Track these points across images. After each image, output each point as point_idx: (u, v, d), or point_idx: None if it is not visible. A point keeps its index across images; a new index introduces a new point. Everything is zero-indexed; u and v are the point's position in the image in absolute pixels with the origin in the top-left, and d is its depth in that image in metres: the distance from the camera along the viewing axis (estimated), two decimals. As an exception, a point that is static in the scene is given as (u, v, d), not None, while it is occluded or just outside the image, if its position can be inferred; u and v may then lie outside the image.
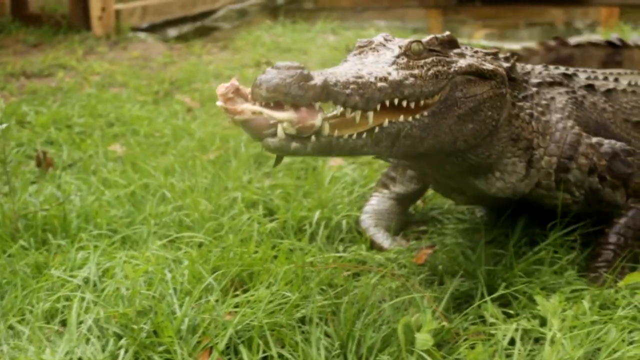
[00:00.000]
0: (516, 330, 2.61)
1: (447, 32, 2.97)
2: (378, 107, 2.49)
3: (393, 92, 2.53)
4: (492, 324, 2.70)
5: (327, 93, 2.37)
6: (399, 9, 15.00)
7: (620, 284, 2.81)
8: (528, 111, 3.19)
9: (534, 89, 3.31)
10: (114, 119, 5.76)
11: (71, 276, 3.10)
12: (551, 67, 3.62)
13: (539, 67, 3.55)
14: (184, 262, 3.16)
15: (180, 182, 4.11)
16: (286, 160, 4.48)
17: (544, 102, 3.28)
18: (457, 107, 2.79)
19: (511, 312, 2.78)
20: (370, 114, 2.48)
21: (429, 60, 2.75)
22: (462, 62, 2.86)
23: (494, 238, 3.40)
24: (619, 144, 3.24)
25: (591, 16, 13.64)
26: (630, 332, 2.57)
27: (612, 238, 3.09)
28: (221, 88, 2.48)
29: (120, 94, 6.69)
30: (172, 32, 11.80)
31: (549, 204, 3.28)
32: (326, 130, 2.41)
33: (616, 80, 3.81)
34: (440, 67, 2.75)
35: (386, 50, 2.79)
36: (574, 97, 3.41)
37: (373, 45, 2.84)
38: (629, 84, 3.84)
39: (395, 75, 2.58)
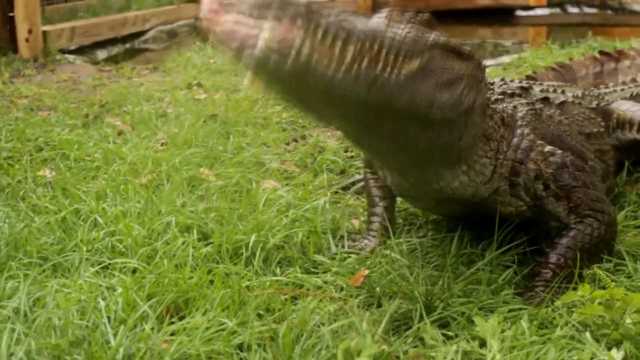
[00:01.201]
0: (456, 352, 2.60)
1: (427, 13, 2.96)
2: (359, 45, 2.42)
3: (374, 38, 2.47)
4: (431, 346, 2.68)
5: (310, 13, 2.30)
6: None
7: (557, 303, 2.82)
8: (499, 115, 3.24)
9: (500, 97, 3.37)
10: (43, 143, 5.64)
11: (0, 307, 3.01)
12: (508, 80, 3.69)
13: (498, 80, 3.62)
14: (118, 289, 3.10)
15: (113, 207, 4.03)
16: (220, 182, 4.46)
17: (509, 110, 3.33)
18: (435, 76, 2.74)
19: (450, 333, 2.77)
20: (351, 48, 2.40)
21: (408, 26, 2.72)
22: (441, 38, 2.84)
23: (431, 258, 3.40)
24: (570, 157, 3.29)
25: (519, 36, 13.88)
26: (569, 351, 2.57)
27: (553, 258, 3.11)
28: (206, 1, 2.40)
29: (49, 117, 6.58)
30: (102, 53, 11.70)
31: (503, 211, 3.31)
32: (307, 48, 2.31)
33: (563, 92, 3.90)
34: (419, 35, 2.71)
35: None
36: (533, 109, 3.49)
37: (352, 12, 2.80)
38: (574, 96, 3.93)
39: (377, 24, 2.55)
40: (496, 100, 3.38)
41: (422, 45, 2.71)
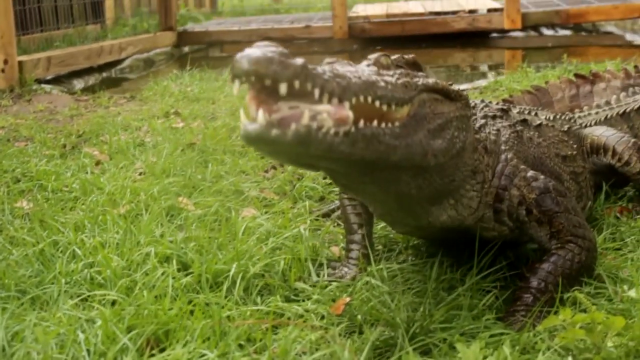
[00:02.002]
0: (438, 379, 2.59)
1: (412, 55, 3.02)
2: (353, 100, 2.47)
3: (367, 89, 2.52)
4: (414, 374, 2.68)
5: (306, 74, 2.34)
6: (306, 55, 15.09)
7: (539, 327, 2.82)
8: (482, 143, 3.27)
9: (483, 121, 3.39)
10: (20, 175, 5.61)
11: (-22, 342, 2.98)
12: (487, 101, 3.72)
13: (479, 102, 3.65)
14: (97, 321, 3.06)
15: (91, 238, 4.00)
16: (199, 211, 4.45)
17: (492, 135, 3.36)
18: (427, 122, 2.80)
19: (432, 360, 2.77)
20: (346, 104, 2.45)
21: (397, 72, 2.79)
22: (429, 80, 2.90)
23: (411, 284, 3.40)
24: (553, 183, 3.31)
25: (495, 59, 13.97)
26: (551, 376, 2.58)
27: (534, 283, 3.12)
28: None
29: (26, 148, 6.55)
30: (78, 83, 11.70)
31: (486, 235, 3.34)
32: (306, 118, 2.36)
33: (537, 115, 3.94)
34: (408, 79, 2.78)
35: (355, 65, 2.82)
36: (515, 131, 3.52)
37: (341, 63, 2.84)
38: (547, 119, 3.97)
39: (368, 75, 2.60)
40: (480, 127, 3.39)
41: (413, 91, 2.77)
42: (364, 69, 2.72)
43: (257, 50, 2.32)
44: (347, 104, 2.45)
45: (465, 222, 3.26)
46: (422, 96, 2.83)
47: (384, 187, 2.91)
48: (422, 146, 2.76)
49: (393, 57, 2.94)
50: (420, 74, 2.97)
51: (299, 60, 2.35)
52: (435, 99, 2.91)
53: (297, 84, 2.33)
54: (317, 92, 2.38)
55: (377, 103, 2.58)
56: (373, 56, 2.87)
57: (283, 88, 2.32)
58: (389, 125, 2.62)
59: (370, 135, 2.53)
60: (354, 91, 2.48)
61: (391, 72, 2.77)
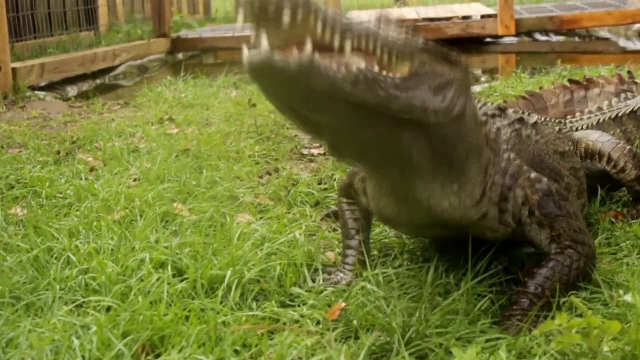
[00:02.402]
0: (435, 383, 2.59)
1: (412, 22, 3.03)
2: (355, 42, 2.47)
3: (368, 35, 2.53)
4: (410, 379, 2.68)
5: (309, 5, 2.34)
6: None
7: (535, 332, 2.82)
8: (485, 135, 3.29)
9: (484, 118, 3.39)
10: (14, 181, 5.60)
11: (-28, 349, 2.97)
12: (484, 102, 3.72)
13: (476, 102, 3.64)
14: (92, 327, 3.05)
15: (85, 244, 3.99)
16: (193, 217, 4.44)
17: (493, 133, 3.35)
18: (427, 79, 2.79)
19: (428, 365, 2.76)
20: (348, 44, 2.45)
21: (397, 31, 2.76)
22: (429, 42, 2.90)
23: (407, 289, 3.39)
24: (556, 185, 3.31)
25: (489, 64, 13.99)
26: (548, 380, 2.57)
27: (531, 287, 3.11)
28: None
29: (20, 155, 6.53)
30: (72, 90, 11.69)
31: (489, 236, 3.33)
32: (308, 48, 2.36)
33: (530, 114, 3.94)
34: (409, 37, 2.77)
35: None
36: (514, 130, 3.51)
37: None
38: (540, 117, 3.97)
39: (370, 24, 2.60)
40: (481, 122, 3.38)
41: (413, 48, 2.76)
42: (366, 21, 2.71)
43: None
44: (348, 44, 2.45)
45: (468, 215, 3.22)
46: (423, 55, 2.82)
47: (386, 150, 2.85)
48: (422, 100, 2.74)
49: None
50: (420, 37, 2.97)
51: None
52: (436, 60, 2.89)
53: (300, 12, 2.33)
54: (319, 25, 2.37)
55: (378, 51, 2.58)
56: (376, 12, 2.83)
57: (286, 15, 2.32)
58: (391, 75, 2.62)
59: (372, 79, 2.52)
60: (356, 32, 2.48)
61: (393, 28, 2.75)
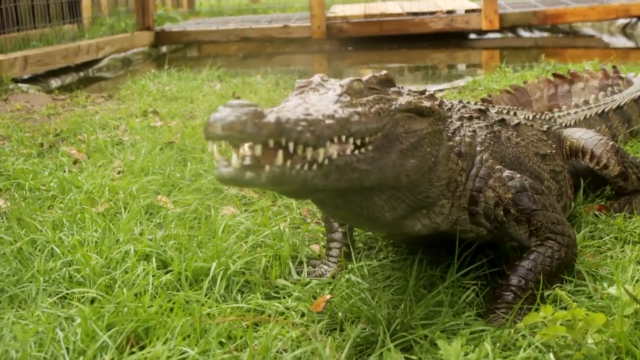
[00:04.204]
0: (420, 375, 2.59)
1: (384, 71, 3.06)
2: (328, 144, 2.49)
3: (341, 130, 2.55)
4: (395, 371, 2.67)
5: (281, 130, 2.35)
6: (283, 55, 15.15)
7: (520, 324, 2.82)
8: (456, 149, 3.30)
9: (458, 123, 3.40)
10: (-3, 173, 5.57)
11: (-44, 340, 2.95)
12: (465, 101, 3.73)
13: (457, 103, 3.65)
14: (77, 319, 3.03)
15: (69, 237, 3.98)
16: (178, 209, 4.43)
17: (467, 138, 3.36)
18: (399, 142, 2.84)
19: (414, 357, 2.75)
20: (321, 151, 2.47)
21: (370, 98, 2.82)
22: (402, 100, 2.94)
23: (392, 281, 3.39)
24: (529, 181, 3.32)
25: (473, 59, 14.01)
26: (532, 372, 2.58)
27: (514, 280, 3.12)
28: None
29: (3, 147, 6.50)
30: (55, 82, 11.65)
31: (464, 237, 3.34)
32: (279, 159, 2.38)
33: (515, 114, 3.95)
34: (382, 105, 2.81)
35: (327, 90, 2.84)
36: (492, 132, 3.52)
37: (313, 85, 2.90)
38: (525, 118, 3.98)
39: (341, 112, 2.60)
40: (454, 130, 3.38)
41: (386, 116, 2.81)
42: (335, 100, 2.73)
43: (230, 113, 2.33)
44: (321, 151, 2.48)
45: (440, 228, 3.27)
46: (396, 116, 2.87)
47: (357, 212, 2.93)
48: (395, 167, 2.80)
49: (365, 78, 2.94)
50: (393, 90, 3.00)
51: (272, 117, 2.35)
52: (409, 117, 2.94)
53: (271, 142, 2.36)
54: (291, 145, 2.41)
55: (351, 140, 2.62)
56: (345, 82, 2.86)
57: (258, 150, 2.36)
58: (362, 150, 2.66)
59: (343, 165, 2.57)
60: (328, 136, 2.50)
61: (364, 100, 2.80)
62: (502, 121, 3.75)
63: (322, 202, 2.94)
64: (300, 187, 2.48)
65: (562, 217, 3.36)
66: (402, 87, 3.11)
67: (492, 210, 3.29)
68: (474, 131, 3.45)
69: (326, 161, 2.50)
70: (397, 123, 2.85)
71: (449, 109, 3.54)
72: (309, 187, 2.50)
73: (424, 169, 2.98)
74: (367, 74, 3.00)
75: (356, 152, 2.62)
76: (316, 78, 2.96)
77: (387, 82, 3.03)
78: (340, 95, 2.78)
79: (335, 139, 2.54)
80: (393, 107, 2.86)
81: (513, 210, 3.27)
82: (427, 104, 3.06)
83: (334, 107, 2.64)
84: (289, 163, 2.40)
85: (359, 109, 2.70)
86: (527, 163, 3.67)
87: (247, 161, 2.37)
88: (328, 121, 2.51)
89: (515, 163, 3.58)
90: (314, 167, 2.47)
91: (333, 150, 2.53)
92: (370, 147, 2.69)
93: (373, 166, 2.69)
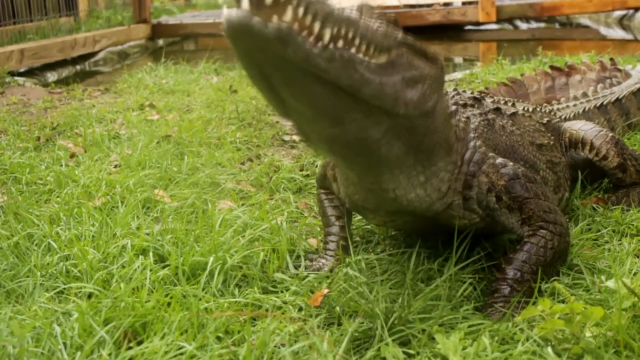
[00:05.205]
0: (418, 369, 2.59)
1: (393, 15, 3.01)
2: (335, 30, 2.45)
3: (349, 23, 2.51)
4: (393, 365, 2.67)
5: None
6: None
7: (518, 318, 2.82)
8: (454, 128, 3.28)
9: (454, 108, 3.39)
10: (-6, 167, 5.56)
11: (-47, 335, 2.94)
12: (461, 90, 3.73)
13: (451, 91, 3.65)
14: (74, 314, 3.03)
15: (66, 231, 3.97)
16: (175, 203, 4.42)
17: (462, 123, 3.36)
18: (403, 70, 2.79)
19: (412, 351, 2.75)
20: (327, 31, 2.43)
21: (378, 21, 2.76)
22: (408, 37, 2.91)
23: (389, 275, 3.39)
24: (522, 169, 3.32)
25: (470, 52, 14.00)
26: (531, 366, 2.58)
27: (509, 273, 3.12)
28: None
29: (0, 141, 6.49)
30: (52, 76, 11.64)
31: (458, 224, 3.32)
32: (289, 17, 2.33)
33: (513, 105, 3.95)
34: (389, 29, 2.77)
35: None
36: (486, 119, 3.52)
37: None
38: (524, 109, 3.99)
39: (350, 14, 2.57)
40: (451, 113, 3.38)
41: (392, 40, 2.76)
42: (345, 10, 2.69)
43: None
44: (327, 32, 2.43)
45: (434, 207, 3.24)
46: (401, 49, 2.83)
47: (352, 137, 2.81)
48: (394, 89, 2.73)
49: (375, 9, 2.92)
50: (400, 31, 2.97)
51: None
52: (413, 54, 2.91)
53: None
54: (301, 9, 2.34)
55: (357, 41, 2.56)
56: (357, 2, 2.83)
57: None
58: (367, 58, 2.60)
59: (347, 58, 2.50)
60: (337, 20, 2.45)
61: (373, 19, 2.75)
62: (497, 110, 3.75)
63: (319, 134, 2.81)
64: (303, 59, 2.38)
65: (555, 205, 3.36)
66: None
67: (484, 195, 3.28)
68: (468, 118, 3.45)
69: (331, 45, 2.44)
70: (402, 55, 2.82)
71: (445, 94, 3.55)
72: (311, 65, 2.41)
73: (422, 108, 2.90)
74: None
75: (360, 55, 2.57)
76: None
77: (395, 24, 2.98)
78: (351, 9, 2.74)
79: (343, 30, 2.48)
80: (400, 35, 2.84)
81: (505, 198, 3.27)
82: (431, 50, 3.05)
83: (344, 10, 2.60)
84: (296, 25, 2.34)
85: (367, 21, 2.66)
86: (522, 152, 3.68)
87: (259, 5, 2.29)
88: (338, 12, 2.48)
89: (509, 151, 3.59)
90: (319, 44, 2.41)
91: (339, 40, 2.49)
92: (373, 61, 2.64)
93: (374, 77, 2.62)
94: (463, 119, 3.41)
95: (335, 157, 3.20)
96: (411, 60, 2.87)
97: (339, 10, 2.51)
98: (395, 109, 2.76)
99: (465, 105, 3.55)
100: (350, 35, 2.52)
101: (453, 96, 3.62)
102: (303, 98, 2.61)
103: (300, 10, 2.35)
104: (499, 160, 3.34)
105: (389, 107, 2.73)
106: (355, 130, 2.76)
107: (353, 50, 2.54)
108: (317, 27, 2.40)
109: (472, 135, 3.39)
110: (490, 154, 3.35)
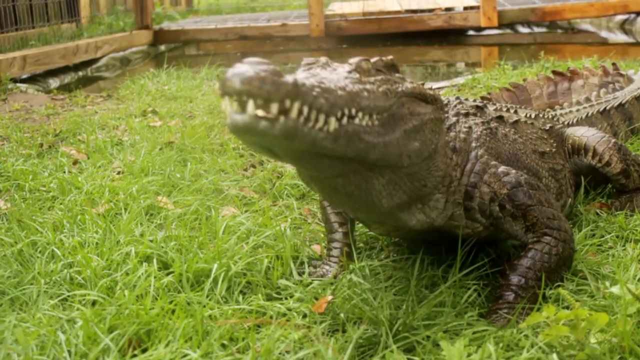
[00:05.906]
0: (423, 376, 2.58)
1: (390, 56, 3.08)
2: (339, 113, 2.50)
3: (352, 102, 2.56)
4: (398, 372, 2.67)
5: (297, 92, 2.35)
6: (282, 53, 15.14)
7: (522, 324, 2.82)
8: (451, 144, 3.31)
9: (454, 119, 3.41)
10: (-3, 174, 5.56)
11: (-43, 343, 2.94)
12: (463, 99, 3.74)
13: (453, 100, 3.66)
14: (78, 322, 3.03)
15: (70, 238, 3.97)
16: (178, 210, 4.42)
17: (463, 134, 3.38)
18: (404, 122, 2.85)
19: (416, 358, 2.75)
20: (332, 119, 2.48)
21: (377, 78, 2.82)
22: (407, 84, 2.95)
23: (393, 281, 3.39)
24: (524, 176, 3.32)
25: (472, 56, 14.00)
26: (536, 373, 2.57)
27: (514, 280, 3.12)
28: None
29: (2, 147, 6.49)
30: (54, 82, 11.64)
31: (462, 233, 3.34)
32: (294, 113, 2.37)
33: (516, 112, 3.95)
34: (389, 86, 2.82)
35: (335, 68, 2.84)
36: (488, 128, 3.53)
37: (320, 64, 2.88)
38: (527, 116, 3.99)
39: (351, 87, 2.61)
40: (450, 126, 3.40)
41: (393, 97, 2.82)
42: (345, 76, 2.73)
43: (249, 69, 2.31)
44: (332, 119, 2.48)
45: (435, 223, 3.27)
46: (402, 99, 2.88)
47: (355, 195, 2.92)
48: (398, 146, 2.80)
49: (372, 60, 2.95)
50: (398, 76, 3.00)
51: (290, 79, 2.35)
52: (413, 101, 2.96)
53: (287, 102, 2.35)
54: (305, 109, 2.40)
55: (360, 114, 2.61)
56: (354, 61, 2.87)
57: (274, 107, 2.33)
58: (370, 123, 2.65)
59: (352, 132, 2.56)
60: (340, 106, 2.50)
61: (372, 79, 2.79)
62: (500, 118, 3.75)
63: (322, 183, 2.92)
64: (310, 145, 2.46)
65: (559, 212, 3.36)
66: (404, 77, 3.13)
67: (487, 205, 3.29)
68: (470, 127, 3.47)
69: (336, 124, 2.50)
70: (402, 105, 2.87)
71: (446, 105, 3.56)
72: (318, 148, 2.49)
73: (425, 154, 2.98)
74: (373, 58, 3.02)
75: (364, 122, 2.62)
76: (322, 58, 2.96)
77: (393, 67, 3.04)
78: (350, 72, 2.78)
79: (346, 111, 2.54)
80: (399, 89, 2.87)
81: (508, 206, 3.28)
82: (430, 91, 3.09)
83: (344, 81, 2.64)
84: (302, 119, 2.39)
85: (368, 87, 2.70)
86: (525, 160, 3.68)
87: (262, 113, 2.33)
88: (340, 92, 2.52)
89: (512, 159, 3.59)
90: (325, 128, 2.46)
91: (343, 118, 2.54)
92: (377, 122, 2.69)
93: (378, 140, 2.69)
94: (464, 129, 3.42)
95: (342, 206, 3.42)
96: (412, 108, 2.94)
97: (340, 84, 2.57)
98: (399, 164, 2.87)
99: (467, 114, 3.56)
100: (353, 111, 2.58)
101: (455, 105, 3.63)
102: (310, 167, 2.79)
103: (305, 110, 2.41)
104: (501, 168, 3.34)
105: (394, 163, 2.84)
106: (358, 188, 2.89)
107: (357, 121, 2.60)
108: (322, 119, 2.46)
109: (473, 144, 3.40)
110: (492, 163, 3.36)
